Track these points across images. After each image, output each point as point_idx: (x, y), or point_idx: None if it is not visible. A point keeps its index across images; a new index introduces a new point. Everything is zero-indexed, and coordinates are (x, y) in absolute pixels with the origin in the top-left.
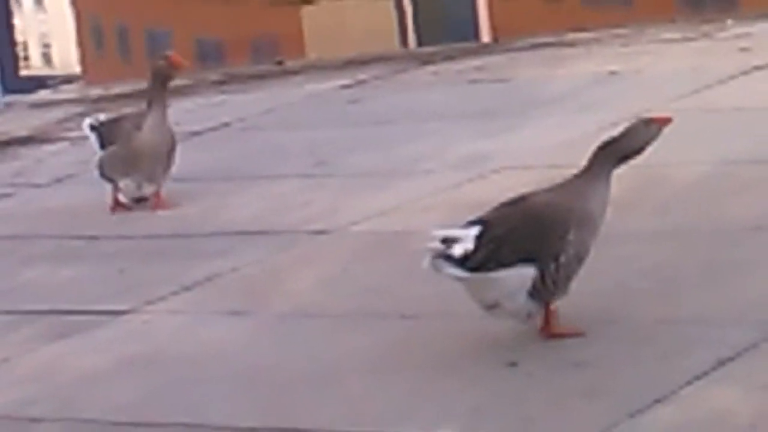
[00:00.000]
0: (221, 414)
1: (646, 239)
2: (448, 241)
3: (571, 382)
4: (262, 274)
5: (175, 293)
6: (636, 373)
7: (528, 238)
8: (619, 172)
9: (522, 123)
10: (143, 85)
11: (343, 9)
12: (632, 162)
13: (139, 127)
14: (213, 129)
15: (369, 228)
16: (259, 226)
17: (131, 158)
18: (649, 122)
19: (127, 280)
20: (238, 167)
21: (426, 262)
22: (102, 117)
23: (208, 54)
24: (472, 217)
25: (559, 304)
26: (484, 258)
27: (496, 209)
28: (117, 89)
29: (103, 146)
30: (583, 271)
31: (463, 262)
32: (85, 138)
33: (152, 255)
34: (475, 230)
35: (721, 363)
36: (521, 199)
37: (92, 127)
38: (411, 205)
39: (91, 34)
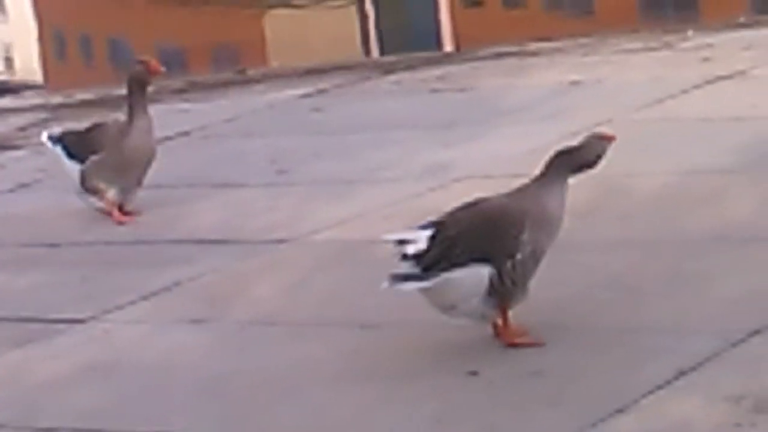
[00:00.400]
0: (183, 422)
1: (608, 248)
2: (402, 243)
3: (532, 391)
4: (224, 282)
5: (136, 301)
6: (597, 382)
7: (481, 237)
8: (582, 181)
9: (484, 132)
10: (105, 92)
11: (305, 17)
12: (595, 171)
13: (125, 134)
14: (175, 137)
15: (331, 237)
16: (221, 234)
17: (122, 165)
18: (601, 137)
19: (89, 287)
20: (200, 175)
21: (385, 284)
22: (59, 129)
23: (170, 62)
24: (424, 222)
25: (519, 312)
26: (437, 257)
27: (450, 213)
28: (79, 96)
29: (72, 157)
30: (544, 280)
31: (416, 261)
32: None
33: (114, 263)
34: (428, 232)
35: (683, 373)
36: (475, 203)
37: (53, 139)
38: (373, 213)
39: (53, 42)
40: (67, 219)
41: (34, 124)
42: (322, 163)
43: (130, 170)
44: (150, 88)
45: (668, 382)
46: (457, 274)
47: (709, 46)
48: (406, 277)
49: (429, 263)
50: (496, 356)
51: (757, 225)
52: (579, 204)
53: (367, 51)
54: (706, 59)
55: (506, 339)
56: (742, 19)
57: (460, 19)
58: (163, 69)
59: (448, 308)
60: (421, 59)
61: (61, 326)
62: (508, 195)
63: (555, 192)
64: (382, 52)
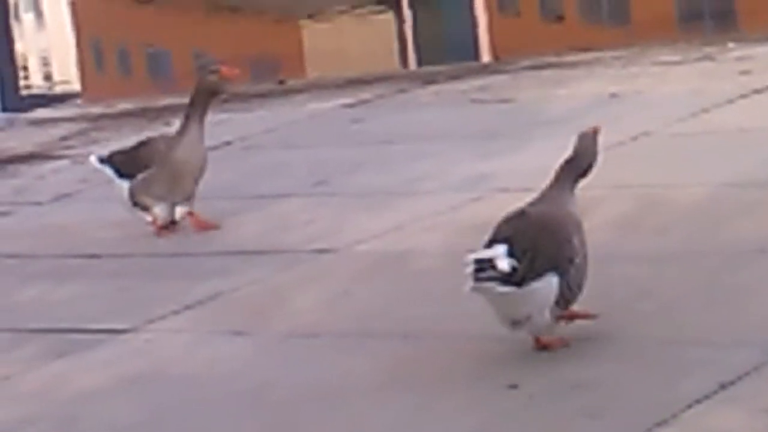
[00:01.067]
0: None
1: (648, 261)
2: (483, 262)
3: (572, 404)
4: (264, 293)
5: (176, 312)
6: (637, 395)
7: (549, 247)
8: (621, 193)
9: (523, 144)
10: (145, 102)
11: (343, 29)
12: (634, 183)
13: (172, 148)
14: (215, 148)
15: (371, 248)
16: (262, 245)
17: (169, 180)
18: (587, 133)
19: (129, 298)
20: (240, 186)
21: (468, 285)
22: (106, 151)
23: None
24: (483, 239)
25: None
26: (525, 271)
27: (503, 227)
28: (120, 106)
29: (122, 175)
30: (584, 293)
31: (509, 277)
32: (86, 156)
33: (153, 274)
34: (502, 248)
35: (723, 386)
36: (521, 213)
37: (102, 160)
38: (413, 225)
39: (91, 52)
40: (107, 230)
41: (74, 135)
42: (362, 174)
43: (178, 184)
44: (187, 99)
45: (709, 395)
46: (537, 284)
47: (750, 58)
48: (490, 277)
49: (520, 279)
50: (536, 369)
51: None
52: (618, 216)
53: (404, 62)
54: (745, 72)
55: (544, 342)
56: None
57: (497, 29)
58: (236, 71)
59: (523, 320)
60: (460, 70)
61: (101, 337)
62: (540, 202)
63: (572, 198)
64: (420, 63)
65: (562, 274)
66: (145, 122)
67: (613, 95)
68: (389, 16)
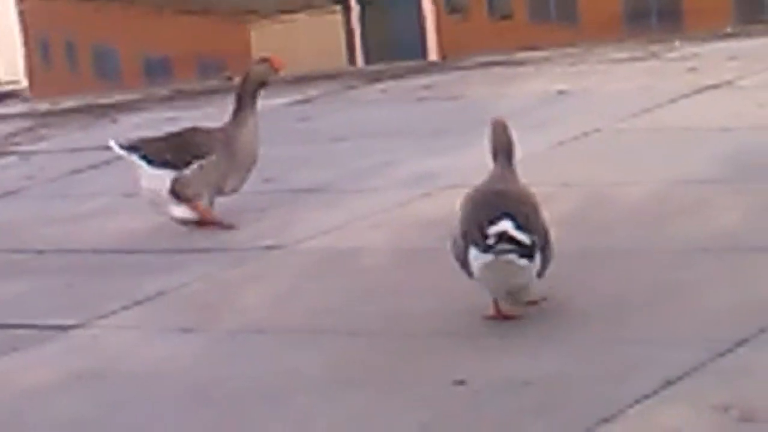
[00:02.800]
0: (170, 430)
1: (594, 258)
2: (502, 235)
3: (518, 401)
4: (212, 290)
5: (124, 308)
6: (584, 392)
7: (538, 222)
8: (568, 190)
9: (471, 141)
10: (91, 99)
11: (290, 27)
12: (581, 181)
13: (235, 137)
14: None
15: (319, 245)
16: (209, 242)
17: (232, 170)
18: (496, 124)
19: (76, 294)
20: None
21: (490, 257)
22: (129, 137)
23: (155, 71)
24: (489, 214)
25: (507, 323)
26: (536, 245)
27: (497, 203)
28: (66, 104)
29: (157, 165)
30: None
31: (527, 250)
32: (33, 152)
33: (101, 270)
34: (510, 223)
35: (670, 383)
36: (502, 191)
37: (126, 147)
38: (360, 222)
39: (38, 49)
40: (53, 226)
41: (21, 132)
42: (310, 171)
43: (239, 174)
44: (135, 96)
45: (655, 392)
46: (538, 257)
47: (696, 56)
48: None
49: (533, 250)
50: (483, 366)
51: (743, 235)
52: (564, 213)
53: (352, 61)
54: (692, 69)
55: (500, 312)
56: (728, 29)
57: (445, 28)
58: (285, 62)
59: (519, 290)
60: (407, 68)
61: (48, 333)
62: (501, 182)
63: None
64: (368, 62)
65: (543, 249)
66: (91, 119)
67: (561, 93)
68: (337, 14)
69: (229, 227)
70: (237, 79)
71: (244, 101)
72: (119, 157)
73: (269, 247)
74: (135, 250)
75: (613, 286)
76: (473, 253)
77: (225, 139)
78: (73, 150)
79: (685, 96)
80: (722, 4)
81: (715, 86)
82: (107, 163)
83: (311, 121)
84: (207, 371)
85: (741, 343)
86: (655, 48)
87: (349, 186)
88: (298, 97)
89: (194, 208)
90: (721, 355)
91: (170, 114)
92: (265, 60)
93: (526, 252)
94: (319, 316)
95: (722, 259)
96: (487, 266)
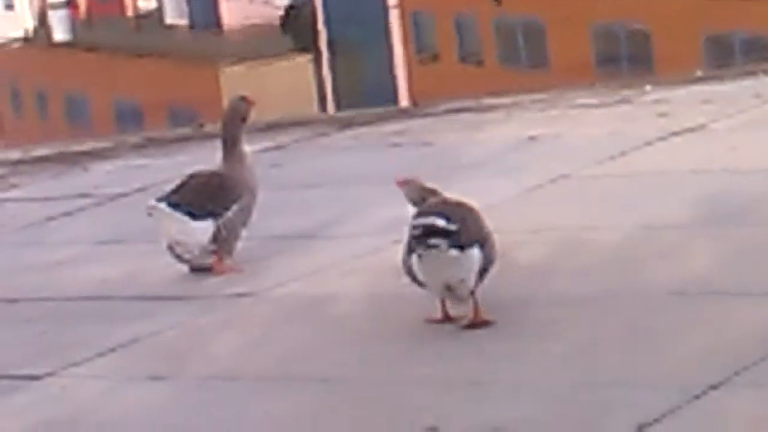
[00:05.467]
0: None
1: (566, 303)
2: (427, 227)
3: None
4: (183, 337)
5: (94, 357)
6: None
7: (474, 221)
8: (540, 235)
9: (443, 187)
10: (63, 147)
11: (261, 74)
12: (552, 226)
13: (247, 177)
14: (133, 192)
15: (291, 291)
16: (181, 289)
17: (252, 210)
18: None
19: (47, 343)
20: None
21: (419, 249)
22: (163, 192)
23: (126, 118)
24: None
25: (474, 366)
26: (465, 235)
27: (431, 208)
28: (37, 152)
29: (197, 217)
30: (500, 333)
31: (455, 239)
32: (4, 200)
33: (74, 318)
34: (440, 217)
35: (642, 427)
36: (443, 200)
37: (171, 204)
38: (332, 269)
39: (9, 97)
40: (25, 275)
41: None
42: (281, 218)
43: (252, 213)
44: (106, 144)
45: None
46: (471, 251)
47: (667, 100)
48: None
49: (463, 241)
50: (455, 412)
51: (716, 279)
52: (536, 258)
53: (323, 106)
54: (663, 114)
55: (480, 318)
56: (699, 74)
57: (416, 74)
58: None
59: (457, 284)
60: (378, 114)
61: (18, 383)
62: (437, 196)
63: None
64: (339, 107)
65: (482, 247)
66: (63, 167)
67: (532, 138)
68: (307, 60)
69: (239, 271)
70: (211, 125)
71: (234, 139)
72: (91, 206)
73: (241, 294)
74: (107, 298)
75: (587, 330)
76: (414, 258)
77: (244, 181)
78: (46, 198)
79: (657, 140)
80: (692, 49)
81: (686, 130)
82: (79, 210)
83: (283, 168)
84: (178, 419)
85: (715, 387)
86: (626, 93)
87: (321, 233)
88: (270, 143)
89: (221, 257)
90: (695, 399)
91: (142, 161)
92: (243, 98)
93: (454, 242)
94: (291, 363)
95: (696, 303)
96: (421, 261)
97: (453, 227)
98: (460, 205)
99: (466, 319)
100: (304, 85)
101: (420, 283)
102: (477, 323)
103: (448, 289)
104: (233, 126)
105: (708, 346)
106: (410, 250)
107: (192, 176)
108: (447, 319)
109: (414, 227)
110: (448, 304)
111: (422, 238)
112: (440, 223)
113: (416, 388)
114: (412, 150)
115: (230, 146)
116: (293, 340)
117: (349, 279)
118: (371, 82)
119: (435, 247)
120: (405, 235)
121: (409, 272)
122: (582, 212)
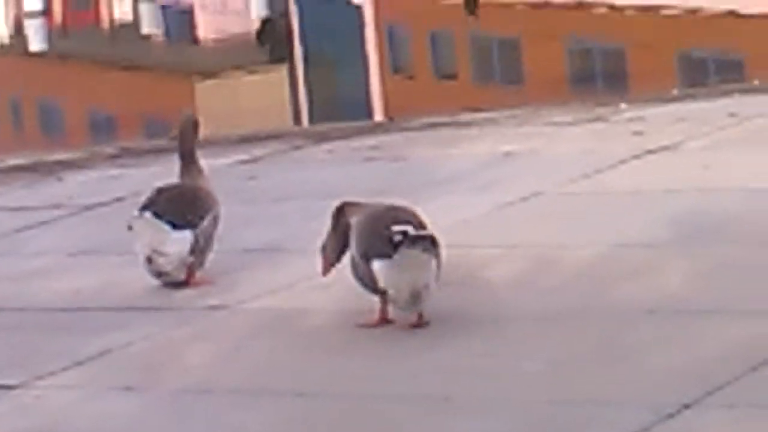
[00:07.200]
0: None
1: (538, 321)
2: (404, 233)
3: None
4: (156, 349)
5: (68, 368)
6: None
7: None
8: (512, 253)
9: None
10: (37, 157)
11: (236, 86)
12: (525, 243)
13: (208, 186)
14: (107, 203)
15: (264, 305)
16: (154, 301)
17: (218, 223)
18: None
19: (19, 354)
20: (132, 242)
21: (403, 252)
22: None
23: (101, 129)
24: (387, 224)
25: (453, 384)
26: (433, 241)
27: (387, 216)
28: (10, 162)
29: (177, 227)
30: (474, 352)
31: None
32: None
33: (46, 328)
34: (409, 226)
35: None
36: (390, 207)
37: (158, 215)
38: (306, 282)
39: None
40: None
41: None
42: (255, 232)
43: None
44: (80, 154)
45: None
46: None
47: (641, 118)
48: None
49: (432, 247)
50: (429, 427)
51: (689, 298)
52: (509, 276)
53: (297, 120)
54: (638, 132)
55: (423, 319)
56: (674, 92)
57: (390, 88)
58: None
59: (423, 290)
60: (354, 128)
61: None
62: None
63: None
64: (312, 121)
65: (437, 254)
66: (37, 177)
67: (507, 155)
68: (282, 73)
69: (209, 283)
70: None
71: (193, 152)
72: (64, 216)
73: (214, 307)
74: (79, 309)
75: (560, 348)
76: (377, 265)
77: (210, 190)
78: (18, 208)
79: (632, 158)
80: (666, 67)
81: (661, 149)
82: (52, 221)
83: (257, 181)
84: (151, 431)
85: (687, 405)
86: (601, 110)
87: (295, 246)
88: (244, 156)
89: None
90: (668, 418)
91: (115, 172)
92: (190, 112)
93: (428, 247)
94: (264, 377)
95: (668, 321)
96: (397, 265)
97: (428, 234)
98: (407, 210)
99: (413, 320)
100: (279, 98)
101: (377, 290)
102: (421, 324)
103: (413, 296)
104: (190, 140)
105: (681, 364)
106: (377, 256)
107: (161, 189)
108: (385, 321)
109: (392, 233)
110: (390, 308)
111: (402, 243)
112: (418, 232)
113: (389, 404)
114: (387, 164)
115: (188, 160)
116: (267, 354)
117: (322, 293)
118: (346, 96)
119: (415, 252)
120: (355, 243)
121: (369, 280)
122: (555, 230)
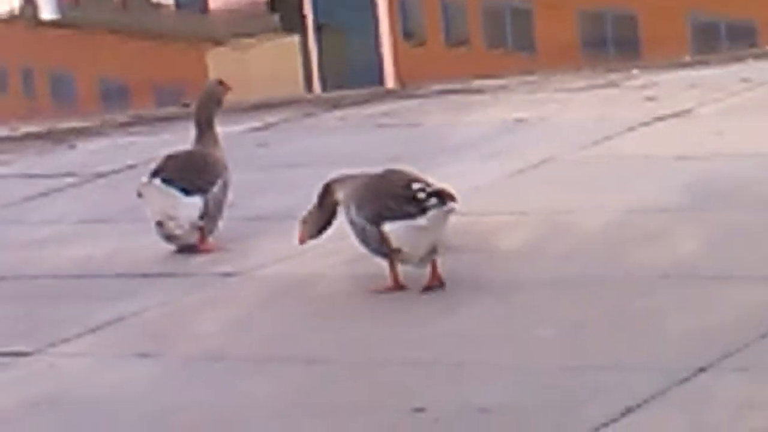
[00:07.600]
0: None
1: (552, 286)
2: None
3: (477, 428)
4: (169, 316)
5: (81, 335)
6: (543, 420)
7: None
8: (525, 219)
9: (428, 169)
10: (50, 124)
11: (248, 54)
12: (537, 209)
13: (220, 155)
14: (120, 170)
15: (276, 271)
16: (166, 267)
17: (228, 190)
18: None
19: (33, 321)
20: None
21: (432, 210)
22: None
23: (113, 97)
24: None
25: (466, 349)
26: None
27: (391, 178)
28: (24, 129)
29: (189, 193)
30: (489, 317)
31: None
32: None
33: (58, 296)
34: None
35: (629, 410)
36: (392, 170)
37: (166, 180)
38: (317, 249)
39: None
40: (9, 252)
41: None
42: (267, 198)
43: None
44: (92, 122)
45: (614, 420)
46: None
47: (654, 84)
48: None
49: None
50: (442, 393)
51: (702, 263)
52: (521, 242)
53: (309, 87)
54: (650, 98)
55: (438, 278)
56: (687, 58)
57: (402, 55)
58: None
59: (437, 245)
60: (366, 95)
61: (5, 360)
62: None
63: None
64: (324, 88)
65: None
66: (49, 145)
67: (519, 121)
68: (294, 41)
69: (220, 248)
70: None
71: (211, 121)
72: (77, 184)
73: (227, 274)
74: (92, 276)
75: (573, 314)
76: (395, 225)
77: (222, 159)
78: (30, 176)
79: (644, 124)
80: (679, 33)
81: (673, 115)
82: (65, 189)
83: (269, 148)
84: (163, 398)
85: (702, 369)
86: (613, 76)
87: None
88: (257, 124)
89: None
90: (682, 382)
91: (128, 140)
92: (221, 82)
93: (443, 204)
94: (276, 344)
95: (682, 286)
96: (424, 224)
97: (447, 189)
98: (405, 171)
99: (426, 281)
100: (291, 65)
101: (387, 253)
102: (433, 285)
103: (430, 252)
104: (209, 109)
105: (695, 329)
106: (394, 218)
107: (171, 156)
108: (398, 287)
109: (416, 191)
110: (400, 271)
111: (428, 202)
112: (433, 188)
113: (402, 370)
114: (399, 131)
115: (205, 128)
116: (278, 321)
117: (333, 259)
118: (357, 63)
119: (445, 209)
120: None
121: (379, 244)
122: (567, 196)
